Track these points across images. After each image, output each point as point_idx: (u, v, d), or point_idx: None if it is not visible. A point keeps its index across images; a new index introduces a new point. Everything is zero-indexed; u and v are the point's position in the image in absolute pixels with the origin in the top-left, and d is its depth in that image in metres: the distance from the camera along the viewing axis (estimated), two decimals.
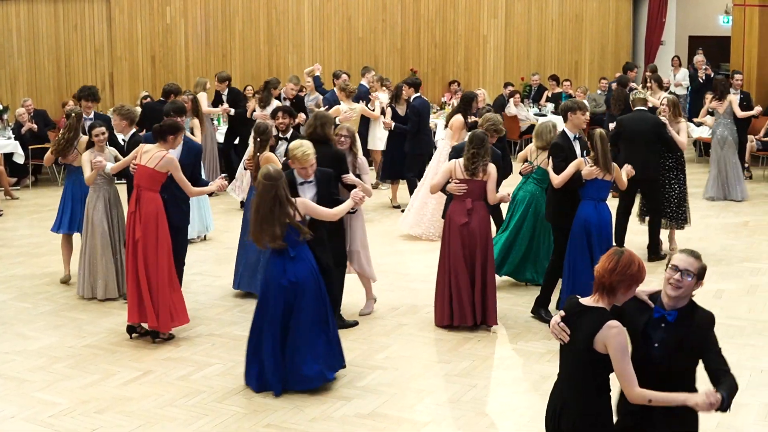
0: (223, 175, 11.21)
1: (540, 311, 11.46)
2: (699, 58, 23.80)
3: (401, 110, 17.90)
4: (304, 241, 9.03)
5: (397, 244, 15.04)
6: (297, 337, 9.08)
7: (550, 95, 24.03)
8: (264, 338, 9.13)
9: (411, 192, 16.31)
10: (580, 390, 5.96)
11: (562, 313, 6.01)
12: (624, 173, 11.50)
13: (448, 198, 11.21)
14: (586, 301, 5.93)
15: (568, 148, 11.23)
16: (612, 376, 5.84)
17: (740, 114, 18.20)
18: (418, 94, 17.69)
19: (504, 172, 12.52)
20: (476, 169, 10.82)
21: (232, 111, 18.78)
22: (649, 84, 19.23)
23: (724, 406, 5.63)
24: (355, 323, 11.14)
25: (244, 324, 10.79)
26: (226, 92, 19.23)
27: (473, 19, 25.25)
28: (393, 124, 17.75)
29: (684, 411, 5.81)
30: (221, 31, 23.11)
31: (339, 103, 17.39)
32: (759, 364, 9.84)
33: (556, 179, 11.08)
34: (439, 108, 23.25)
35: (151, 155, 10.50)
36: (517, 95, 22.85)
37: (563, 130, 11.51)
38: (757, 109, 18.47)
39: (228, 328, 11.09)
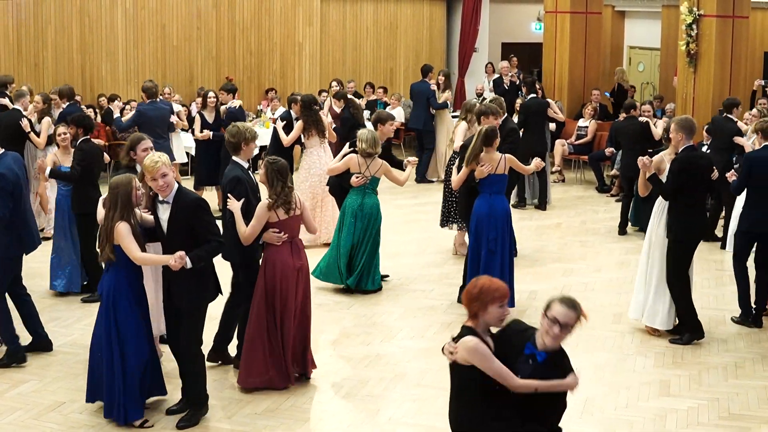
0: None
1: None
2: (504, 64, 24.26)
3: (210, 117, 17.08)
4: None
5: None
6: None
7: (365, 103, 24.17)
8: None
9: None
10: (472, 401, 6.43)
11: (454, 335, 6.44)
12: (533, 164, 12.23)
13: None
14: (467, 322, 6.43)
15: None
16: None
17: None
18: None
19: None
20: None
21: None
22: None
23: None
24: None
25: (58, 339, 10.67)
26: None
27: (288, 26, 25.26)
28: (210, 134, 16.82)
29: None
30: (33, 39, 22.54)
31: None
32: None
33: (453, 182, 11.92)
34: (255, 116, 23.14)
35: None
36: None
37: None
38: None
39: None
